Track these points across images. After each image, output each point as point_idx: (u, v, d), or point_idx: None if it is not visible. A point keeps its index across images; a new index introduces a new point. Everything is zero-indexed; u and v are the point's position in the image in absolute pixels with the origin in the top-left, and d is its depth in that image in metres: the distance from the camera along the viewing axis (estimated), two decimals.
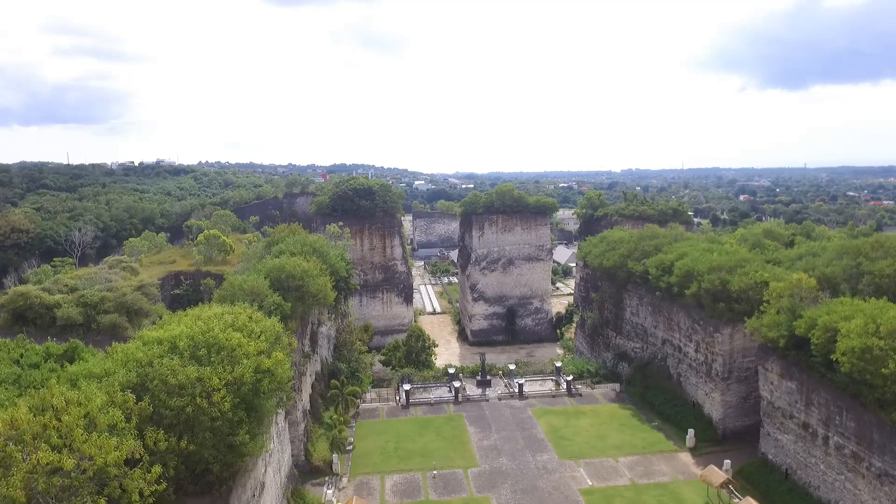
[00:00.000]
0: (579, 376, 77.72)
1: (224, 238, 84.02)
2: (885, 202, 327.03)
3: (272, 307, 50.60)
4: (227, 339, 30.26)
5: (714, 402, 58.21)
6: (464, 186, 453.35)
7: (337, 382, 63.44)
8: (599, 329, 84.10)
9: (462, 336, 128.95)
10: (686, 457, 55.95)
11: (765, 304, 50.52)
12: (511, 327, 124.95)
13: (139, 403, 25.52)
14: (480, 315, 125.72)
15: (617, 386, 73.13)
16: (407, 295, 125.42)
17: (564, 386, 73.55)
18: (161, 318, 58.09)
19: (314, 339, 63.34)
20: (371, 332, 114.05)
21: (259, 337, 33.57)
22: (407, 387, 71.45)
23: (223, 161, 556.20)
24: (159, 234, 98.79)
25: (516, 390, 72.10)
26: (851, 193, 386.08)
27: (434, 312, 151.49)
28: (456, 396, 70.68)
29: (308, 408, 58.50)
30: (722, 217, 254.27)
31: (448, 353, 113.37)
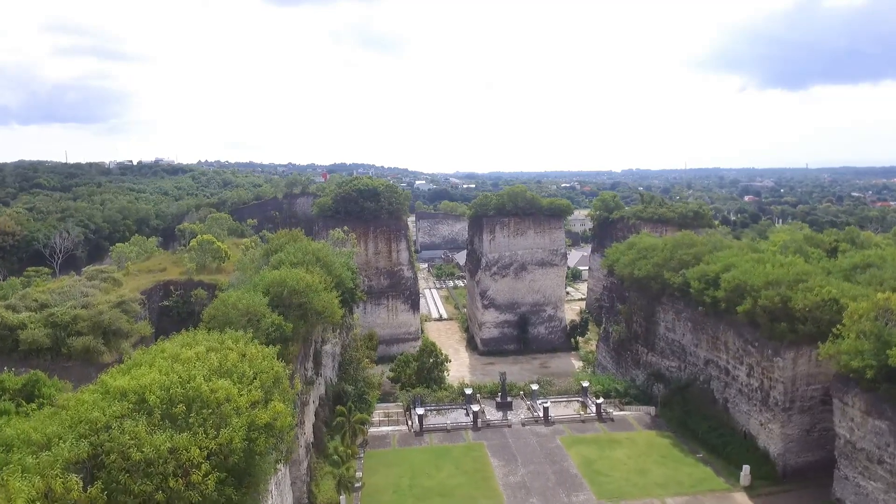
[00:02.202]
0: (606, 395, 70.96)
1: (218, 243, 77.17)
2: (892, 203, 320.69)
3: (270, 329, 43.92)
4: (211, 392, 23.40)
5: (772, 435, 51.34)
6: (465, 186, 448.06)
7: (343, 409, 56.57)
8: (627, 344, 77.23)
9: (471, 345, 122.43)
10: (742, 498, 49.09)
11: (840, 326, 43.76)
12: (523, 336, 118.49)
13: (89, 490, 18.68)
14: (491, 323, 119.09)
15: (652, 409, 66.27)
16: (414, 302, 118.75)
17: (593, 409, 66.68)
18: (143, 338, 51.53)
19: (318, 361, 56.50)
20: (376, 341, 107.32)
21: (253, 381, 26.71)
22: (420, 411, 64.60)
23: (223, 160, 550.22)
24: (150, 239, 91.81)
25: (541, 414, 65.21)
26: (856, 194, 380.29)
27: (440, 319, 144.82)
28: (475, 422, 63.81)
29: (311, 440, 51.69)
30: (732, 219, 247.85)
31: (457, 363, 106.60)
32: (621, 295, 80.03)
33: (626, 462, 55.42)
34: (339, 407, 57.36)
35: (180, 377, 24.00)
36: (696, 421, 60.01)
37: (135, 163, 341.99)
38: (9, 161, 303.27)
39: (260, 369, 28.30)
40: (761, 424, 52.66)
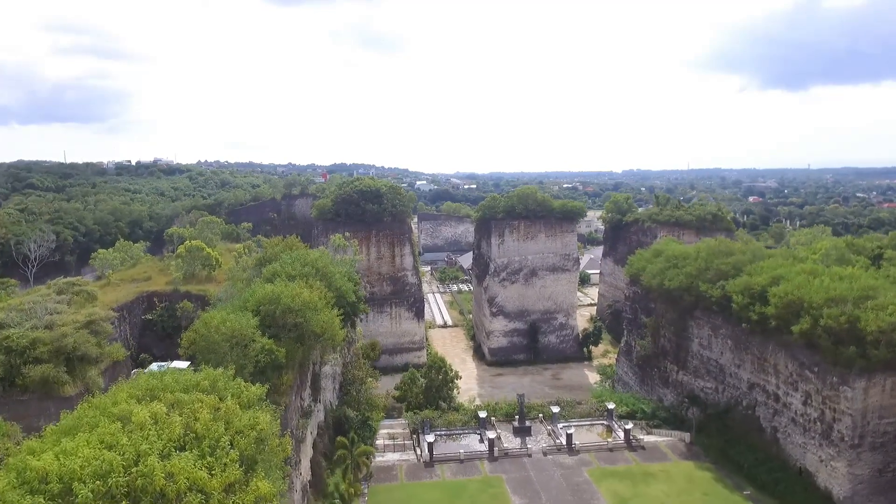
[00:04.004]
0: (631, 416, 64.81)
1: (208, 250, 70.76)
2: None
3: (260, 356, 37.65)
4: (168, 478, 17.03)
5: (836, 474, 44.97)
6: (466, 187, 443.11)
7: (345, 441, 50.11)
8: (653, 360, 70.85)
9: (478, 354, 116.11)
10: None
11: None
12: (533, 345, 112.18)
13: None
14: (499, 332, 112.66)
15: (686, 436, 59.77)
16: (418, 309, 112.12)
17: (620, 434, 60.29)
18: (115, 363, 45.11)
19: (316, 386, 50.13)
20: (378, 350, 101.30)
21: (230, 451, 20.30)
22: (430, 438, 58.07)
23: (222, 160, 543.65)
24: (136, 244, 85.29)
25: (563, 441, 58.81)
26: (860, 195, 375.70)
27: (445, 325, 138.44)
28: (491, 450, 57.36)
29: (309, 478, 45.35)
30: (741, 221, 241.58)
31: (464, 374, 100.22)
32: (646, 306, 73.65)
33: (665, 501, 49.02)
34: (340, 438, 50.92)
35: (125, 458, 17.58)
36: (740, 452, 53.58)
37: (133, 163, 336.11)
38: (7, 161, 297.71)
39: (240, 428, 21.89)
40: (822, 461, 46.26)
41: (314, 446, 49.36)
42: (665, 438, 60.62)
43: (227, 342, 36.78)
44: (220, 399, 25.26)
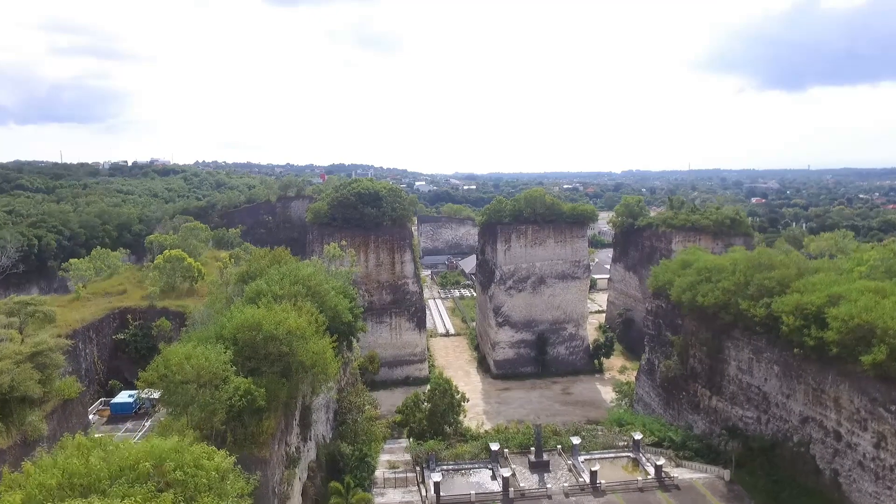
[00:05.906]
0: (657, 444, 58.26)
1: (190, 260, 63.93)
2: None
3: (235, 398, 30.98)
4: None
5: None
6: (465, 188, 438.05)
7: (339, 486, 43.29)
8: (681, 382, 64.18)
9: (483, 366, 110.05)
10: None
11: None
12: (541, 357, 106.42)
13: None
14: (506, 343, 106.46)
15: (725, 473, 52.86)
16: (420, 319, 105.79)
17: (650, 470, 53.51)
18: (66, 402, 38.14)
19: (306, 423, 43.29)
20: (377, 363, 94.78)
21: None
22: (437, 476, 51.22)
23: (220, 161, 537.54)
24: (113, 252, 78.21)
25: (586, 479, 52.00)
26: (863, 196, 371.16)
27: (447, 334, 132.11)
28: (505, 490, 50.54)
29: None
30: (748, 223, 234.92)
31: (469, 388, 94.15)
32: (672, 322, 67.00)
33: None
34: (333, 483, 44.09)
35: None
36: (793, 496, 46.80)
37: (130, 163, 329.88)
38: (4, 161, 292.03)
39: None
40: None
41: (304, 492, 42.62)
42: (700, 475, 53.85)
43: (193, 383, 30.11)
44: (168, 485, 18.58)
